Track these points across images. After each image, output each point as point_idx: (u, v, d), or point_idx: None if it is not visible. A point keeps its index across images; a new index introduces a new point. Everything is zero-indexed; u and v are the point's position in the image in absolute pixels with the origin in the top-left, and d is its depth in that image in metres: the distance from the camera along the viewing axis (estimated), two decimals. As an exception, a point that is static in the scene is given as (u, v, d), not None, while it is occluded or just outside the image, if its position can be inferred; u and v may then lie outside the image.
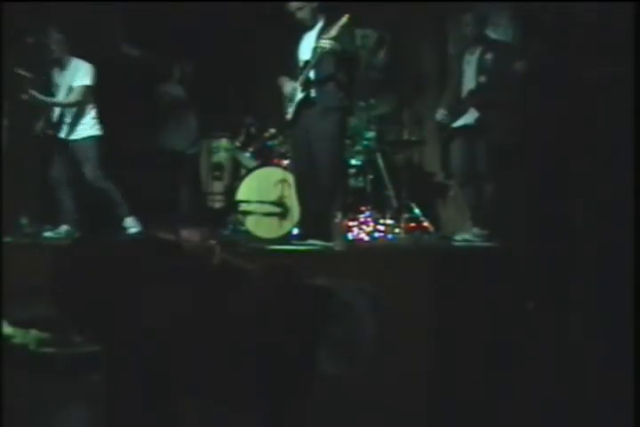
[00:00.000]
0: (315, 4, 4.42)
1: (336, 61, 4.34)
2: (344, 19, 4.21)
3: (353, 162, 5.55)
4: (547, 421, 2.92)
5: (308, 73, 4.39)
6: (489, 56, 4.72)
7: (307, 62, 4.40)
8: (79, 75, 5.05)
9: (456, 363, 3.04)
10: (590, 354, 3.24)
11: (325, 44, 4.22)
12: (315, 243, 4.17)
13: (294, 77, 4.48)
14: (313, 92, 4.40)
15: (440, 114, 4.94)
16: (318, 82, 4.39)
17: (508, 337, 3.30)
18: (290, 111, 4.50)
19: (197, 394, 2.11)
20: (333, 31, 4.21)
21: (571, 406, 2.95)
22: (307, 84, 4.41)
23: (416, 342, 2.94)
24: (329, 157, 4.37)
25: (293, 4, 4.42)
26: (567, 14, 4.50)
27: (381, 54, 6.03)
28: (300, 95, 4.43)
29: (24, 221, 5.09)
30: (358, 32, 4.65)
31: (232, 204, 5.46)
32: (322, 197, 4.37)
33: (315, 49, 4.33)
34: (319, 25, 4.42)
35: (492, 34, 5.11)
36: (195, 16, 5.99)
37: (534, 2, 4.93)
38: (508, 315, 3.39)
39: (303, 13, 4.41)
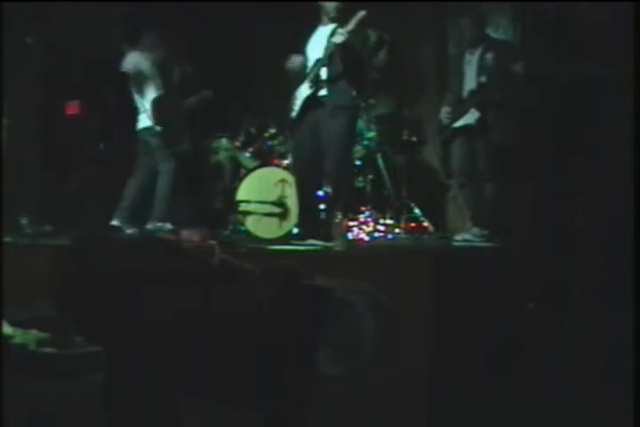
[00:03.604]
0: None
1: (348, 59, 4.27)
2: (362, 12, 4.15)
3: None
4: (547, 421, 2.92)
5: (318, 70, 4.33)
6: (489, 56, 4.71)
7: (318, 60, 4.34)
8: None
9: (456, 363, 3.04)
10: (590, 354, 3.24)
11: (340, 36, 4.15)
12: (315, 243, 4.16)
13: (302, 76, 4.40)
14: (323, 91, 4.34)
15: (443, 113, 4.93)
16: (330, 80, 4.32)
17: (508, 337, 3.31)
18: (295, 109, 4.43)
19: (197, 394, 2.11)
20: (350, 25, 4.15)
21: (571, 406, 2.96)
22: (317, 82, 4.35)
23: (416, 342, 2.93)
24: (336, 157, 4.31)
25: None
26: (567, 14, 4.50)
27: (381, 54, 6.02)
28: (307, 92, 4.37)
29: (24, 221, 5.08)
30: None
31: (232, 204, 5.46)
32: (324, 197, 4.34)
33: (327, 46, 4.28)
34: (330, 26, 4.38)
35: (492, 34, 5.11)
36: (195, 16, 5.98)
37: (534, 2, 4.94)
38: (508, 315, 3.39)
39: (331, 5, 4.33)
